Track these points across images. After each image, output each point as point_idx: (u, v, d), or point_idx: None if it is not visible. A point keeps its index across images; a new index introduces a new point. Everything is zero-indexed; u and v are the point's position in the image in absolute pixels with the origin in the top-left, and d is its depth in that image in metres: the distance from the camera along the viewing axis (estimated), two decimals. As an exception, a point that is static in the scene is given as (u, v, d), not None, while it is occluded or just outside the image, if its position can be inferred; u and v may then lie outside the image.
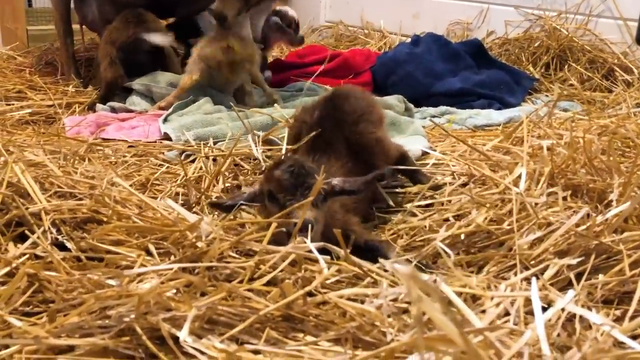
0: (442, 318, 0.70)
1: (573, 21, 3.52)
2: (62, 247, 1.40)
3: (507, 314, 1.14)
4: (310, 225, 1.34)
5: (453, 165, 2.02)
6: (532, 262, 1.38)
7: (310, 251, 1.26)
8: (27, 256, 1.33)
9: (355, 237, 1.50)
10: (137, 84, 2.82)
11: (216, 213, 1.73)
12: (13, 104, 2.70)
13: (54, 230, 1.41)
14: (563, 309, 1.10)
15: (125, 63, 2.86)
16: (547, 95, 3.21)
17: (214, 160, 2.03)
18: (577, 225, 1.43)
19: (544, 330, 0.90)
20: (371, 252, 1.48)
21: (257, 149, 2.03)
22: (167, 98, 2.68)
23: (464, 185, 1.86)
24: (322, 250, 1.30)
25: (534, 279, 1.06)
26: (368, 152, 1.79)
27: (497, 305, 1.11)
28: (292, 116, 2.35)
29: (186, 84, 2.67)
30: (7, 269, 1.27)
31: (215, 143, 2.20)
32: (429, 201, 1.81)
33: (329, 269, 1.23)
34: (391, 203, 1.81)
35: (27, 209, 1.44)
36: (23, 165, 1.58)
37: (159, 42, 2.86)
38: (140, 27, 2.86)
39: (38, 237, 1.37)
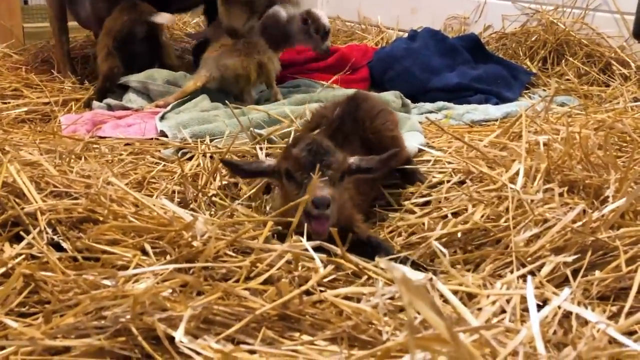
0: (435, 318, 0.70)
1: (570, 15, 3.51)
2: (58, 247, 1.40)
3: (503, 311, 1.14)
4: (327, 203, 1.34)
5: (449, 163, 2.01)
6: (529, 258, 1.38)
7: (306, 250, 1.25)
8: (23, 256, 1.33)
9: (358, 232, 1.51)
10: (134, 81, 2.81)
11: (213, 210, 1.73)
12: (9, 102, 2.69)
13: (49, 231, 1.41)
14: (559, 307, 1.10)
15: (122, 54, 2.86)
16: (544, 90, 3.20)
17: (211, 157, 2.02)
18: (574, 221, 1.43)
19: (539, 329, 0.90)
20: (372, 248, 1.48)
21: (259, 148, 2.03)
22: (167, 98, 2.67)
23: (461, 182, 1.86)
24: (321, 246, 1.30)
25: (529, 277, 1.06)
26: (383, 151, 1.79)
27: (493, 303, 1.11)
28: (300, 114, 2.37)
29: (189, 89, 2.67)
30: (3, 269, 1.27)
31: (212, 140, 2.20)
32: (426, 199, 1.81)
33: (325, 267, 1.23)
34: (392, 203, 1.81)
35: (22, 209, 1.44)
36: (18, 165, 1.58)
37: (162, 21, 2.87)
38: (134, 14, 2.86)
39: (34, 238, 1.37)
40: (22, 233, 1.40)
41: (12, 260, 1.29)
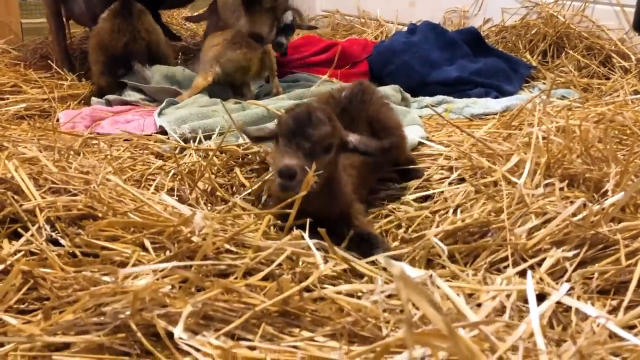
0: (433, 313, 0.70)
1: (570, 8, 3.50)
2: (56, 244, 1.39)
3: (503, 307, 1.13)
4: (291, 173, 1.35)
5: (451, 159, 2.00)
6: (529, 251, 1.37)
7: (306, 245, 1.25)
8: (22, 253, 1.32)
9: (359, 225, 1.51)
10: (131, 82, 2.81)
11: (210, 205, 1.73)
12: (8, 98, 2.69)
13: (48, 227, 1.41)
14: (559, 301, 1.10)
15: (118, 66, 2.84)
16: (544, 83, 3.19)
17: (206, 155, 2.00)
18: (574, 215, 1.42)
19: (539, 325, 0.90)
20: (371, 246, 1.47)
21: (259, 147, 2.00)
22: (182, 96, 2.66)
23: (461, 177, 1.85)
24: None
25: (529, 272, 1.05)
26: (389, 134, 1.82)
27: (493, 298, 1.11)
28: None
29: (200, 85, 2.66)
30: (2, 266, 1.26)
31: (210, 136, 2.19)
32: (427, 192, 1.80)
33: (325, 263, 1.23)
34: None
35: (21, 205, 1.43)
36: (17, 161, 1.57)
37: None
38: (129, 33, 2.80)
39: (32, 234, 1.36)
40: (20, 230, 1.40)
41: (11, 257, 1.29)
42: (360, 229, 1.50)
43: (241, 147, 1.99)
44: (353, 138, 1.52)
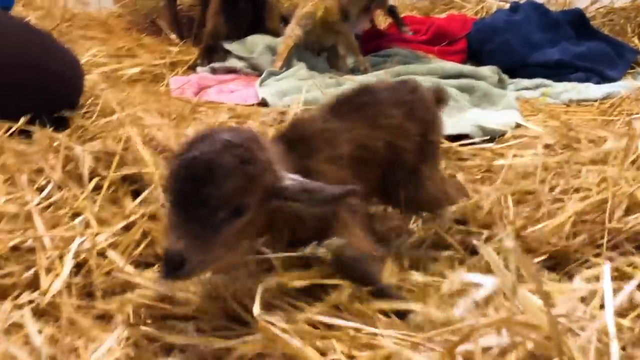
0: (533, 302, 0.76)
1: (688, -11, 3.33)
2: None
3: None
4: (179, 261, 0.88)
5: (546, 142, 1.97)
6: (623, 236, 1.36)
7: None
8: (142, 213, 1.45)
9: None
10: (235, 49, 2.96)
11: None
12: (123, 62, 2.87)
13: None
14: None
15: (228, 10, 3.04)
16: (651, 70, 3.07)
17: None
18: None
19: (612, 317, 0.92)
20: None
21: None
22: (276, 63, 2.80)
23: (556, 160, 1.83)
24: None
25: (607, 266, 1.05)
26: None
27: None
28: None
29: (283, 51, 2.79)
30: (125, 222, 1.40)
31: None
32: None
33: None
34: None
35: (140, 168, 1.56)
36: (134, 125, 1.71)
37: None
38: None
39: (150, 195, 1.49)
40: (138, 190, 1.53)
41: (134, 214, 1.42)
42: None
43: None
44: (292, 181, 0.97)
